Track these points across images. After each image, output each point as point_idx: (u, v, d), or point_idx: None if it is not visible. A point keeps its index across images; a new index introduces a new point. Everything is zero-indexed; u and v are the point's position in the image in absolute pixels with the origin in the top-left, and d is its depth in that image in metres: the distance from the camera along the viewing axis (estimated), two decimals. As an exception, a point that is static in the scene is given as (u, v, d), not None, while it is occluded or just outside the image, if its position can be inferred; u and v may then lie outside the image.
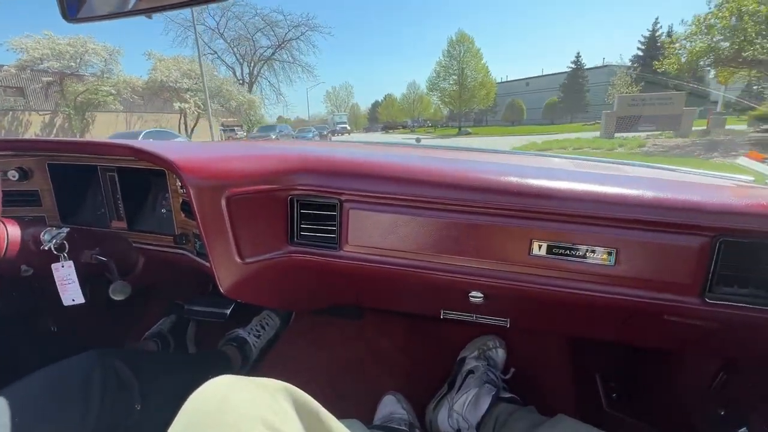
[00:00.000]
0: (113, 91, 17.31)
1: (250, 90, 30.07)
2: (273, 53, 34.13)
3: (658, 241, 0.57)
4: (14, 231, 0.73)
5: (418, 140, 2.33)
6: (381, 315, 1.34)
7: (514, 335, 1.20)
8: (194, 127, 21.50)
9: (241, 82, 31.26)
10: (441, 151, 1.16)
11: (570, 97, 36.12)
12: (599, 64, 41.76)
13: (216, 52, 32.85)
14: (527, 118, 38.61)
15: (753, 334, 0.62)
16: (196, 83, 19.16)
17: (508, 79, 50.25)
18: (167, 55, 19.56)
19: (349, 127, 39.01)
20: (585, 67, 37.81)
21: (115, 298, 0.84)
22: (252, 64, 33.72)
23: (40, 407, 0.60)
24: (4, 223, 0.72)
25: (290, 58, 35.03)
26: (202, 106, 19.03)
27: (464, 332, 1.24)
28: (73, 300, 0.82)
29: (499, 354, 1.19)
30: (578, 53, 43.89)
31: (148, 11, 0.58)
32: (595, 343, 1.10)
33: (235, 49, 33.25)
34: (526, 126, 34.79)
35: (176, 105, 19.05)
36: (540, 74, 45.51)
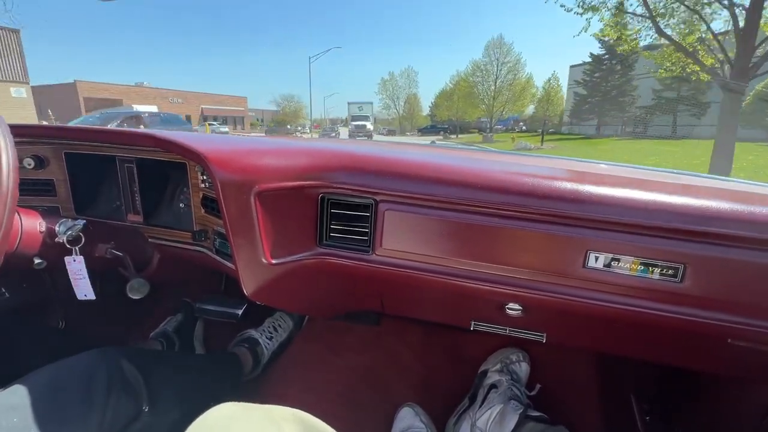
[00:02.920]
0: None
1: None
2: None
3: (735, 257, 0.52)
4: (29, 222, 0.69)
5: (433, 142, 2.22)
6: (398, 321, 1.29)
7: (538, 348, 1.15)
8: None
9: None
10: (484, 152, 1.11)
11: None
12: None
13: None
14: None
15: None
16: None
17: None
18: None
19: (370, 127, 27.38)
20: None
21: (133, 297, 0.80)
22: None
23: (41, 407, 0.56)
24: (19, 214, 0.68)
25: None
26: None
27: (484, 342, 1.19)
28: (86, 295, 0.79)
29: (523, 368, 1.14)
30: None
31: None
32: (626, 359, 1.04)
33: None
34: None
35: None
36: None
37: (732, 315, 0.53)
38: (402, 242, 0.66)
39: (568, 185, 0.57)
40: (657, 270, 0.54)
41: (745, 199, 0.53)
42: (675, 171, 0.86)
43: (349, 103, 35.57)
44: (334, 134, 28.01)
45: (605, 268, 0.56)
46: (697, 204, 0.52)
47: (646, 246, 0.54)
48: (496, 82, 27.02)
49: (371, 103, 35.29)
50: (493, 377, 1.10)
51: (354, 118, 31.21)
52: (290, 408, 0.43)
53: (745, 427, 0.75)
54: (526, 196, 0.58)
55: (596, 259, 0.57)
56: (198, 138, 0.70)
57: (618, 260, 0.56)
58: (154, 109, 22.39)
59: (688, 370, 0.87)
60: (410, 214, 0.64)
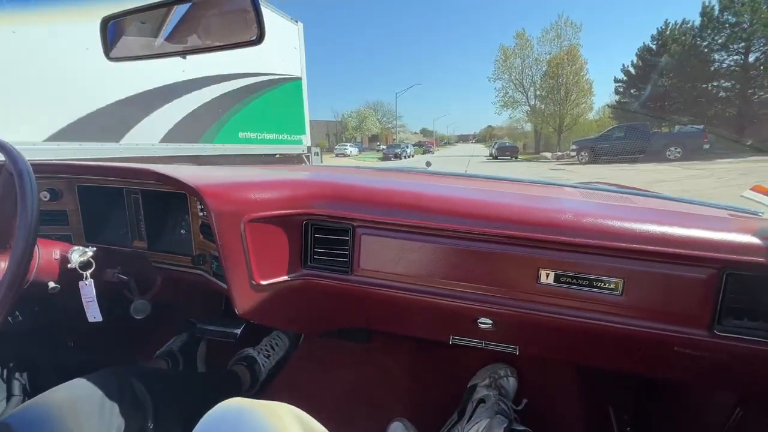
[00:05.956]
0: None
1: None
2: None
3: (665, 272, 0.58)
4: (45, 251, 0.77)
5: (428, 164, 2.23)
6: (389, 338, 1.34)
7: (524, 363, 1.19)
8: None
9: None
10: (451, 178, 1.18)
11: None
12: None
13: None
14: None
15: (765, 368, 0.61)
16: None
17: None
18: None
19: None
20: None
21: (136, 317, 0.87)
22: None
23: (60, 422, 0.62)
24: (36, 244, 0.76)
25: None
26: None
27: (473, 358, 1.23)
28: (94, 317, 0.85)
29: (511, 383, 1.18)
30: None
31: (180, 53, 0.63)
32: (607, 373, 1.08)
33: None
34: None
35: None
36: None
37: (669, 324, 0.59)
38: (377, 263, 0.73)
39: (521, 210, 0.64)
40: (600, 284, 0.60)
41: (673, 219, 0.59)
42: (625, 191, 0.92)
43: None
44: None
45: (555, 284, 0.63)
46: (631, 225, 0.59)
47: (590, 263, 0.61)
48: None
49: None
50: (481, 392, 1.13)
51: None
52: (287, 404, 0.47)
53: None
54: (482, 220, 0.65)
55: (547, 275, 0.63)
56: (195, 173, 0.79)
57: (566, 276, 0.62)
58: None
59: (661, 382, 0.91)
60: (383, 238, 0.71)
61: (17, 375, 0.96)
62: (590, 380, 1.15)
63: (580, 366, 1.17)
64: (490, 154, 25.68)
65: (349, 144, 34.69)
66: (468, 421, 1.05)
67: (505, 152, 23.35)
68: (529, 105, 27.68)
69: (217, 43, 0.56)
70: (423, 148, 40.81)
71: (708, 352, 0.60)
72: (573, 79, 24.67)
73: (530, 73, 26.92)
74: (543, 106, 26.43)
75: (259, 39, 0.50)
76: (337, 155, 30.56)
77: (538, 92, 26.72)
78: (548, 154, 22.30)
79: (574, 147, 15.79)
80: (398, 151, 27.88)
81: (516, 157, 23.03)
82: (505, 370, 1.20)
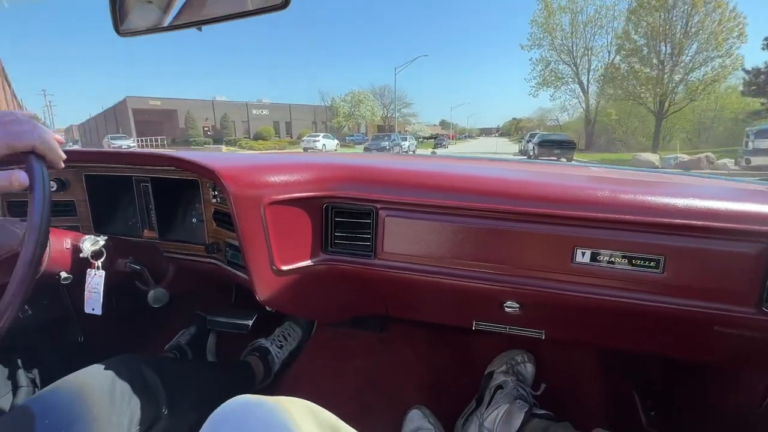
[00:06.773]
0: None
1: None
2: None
3: (709, 247, 0.55)
4: (56, 240, 0.75)
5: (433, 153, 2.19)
6: (404, 326, 1.33)
7: (542, 348, 1.17)
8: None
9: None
10: (475, 160, 1.16)
11: None
12: None
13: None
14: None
15: None
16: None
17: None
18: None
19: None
20: None
21: (155, 306, 0.84)
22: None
23: (72, 409, 0.61)
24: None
25: None
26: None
27: (489, 344, 1.21)
28: (93, 309, 0.82)
29: (528, 369, 1.16)
30: None
31: (196, 24, 0.60)
32: (630, 355, 1.06)
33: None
34: None
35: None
36: None
37: (712, 302, 0.57)
38: (402, 246, 0.70)
39: (555, 187, 0.62)
40: (639, 262, 0.58)
41: (717, 193, 0.57)
42: (658, 170, 0.90)
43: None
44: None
45: (592, 263, 0.60)
46: (673, 199, 0.56)
47: (628, 240, 0.58)
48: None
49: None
50: (499, 378, 1.12)
51: None
52: (299, 398, 0.45)
53: (743, 418, 0.77)
54: (515, 198, 0.62)
55: (583, 254, 0.60)
56: (212, 157, 0.76)
57: (603, 254, 0.60)
58: None
59: (687, 365, 0.89)
60: (408, 219, 0.69)
61: (25, 370, 0.94)
62: (611, 363, 1.14)
63: (601, 349, 1.16)
64: (523, 151, 17.54)
65: (321, 135, 26.20)
66: (487, 407, 1.04)
67: (551, 148, 14.46)
68: (579, 81, 18.34)
69: (238, 10, 0.52)
70: (435, 141, 33.57)
71: (753, 330, 0.58)
72: (703, 8, 12.73)
73: (584, 35, 17.25)
74: (627, 68, 14.16)
75: (286, 2, 0.47)
76: (305, 149, 23.59)
77: (620, 41, 15.60)
78: (653, 157, 12.26)
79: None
80: (385, 144, 19.50)
81: (571, 158, 14.31)
82: (522, 356, 1.19)
